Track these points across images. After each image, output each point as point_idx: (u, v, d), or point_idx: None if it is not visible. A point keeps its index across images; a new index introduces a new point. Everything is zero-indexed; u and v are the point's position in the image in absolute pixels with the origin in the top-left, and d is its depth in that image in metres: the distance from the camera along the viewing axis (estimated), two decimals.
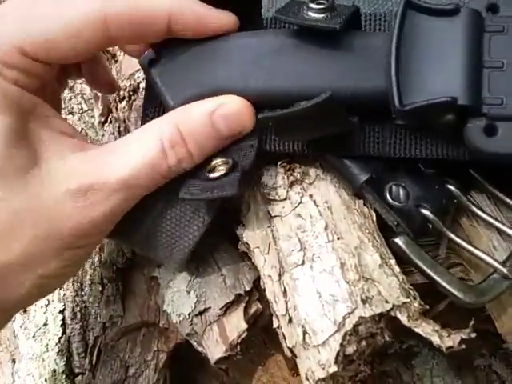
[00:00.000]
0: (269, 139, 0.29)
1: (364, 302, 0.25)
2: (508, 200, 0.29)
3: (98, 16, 0.25)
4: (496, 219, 0.29)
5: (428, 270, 0.28)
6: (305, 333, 0.25)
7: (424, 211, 0.29)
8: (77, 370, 0.39)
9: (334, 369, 0.24)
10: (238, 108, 0.26)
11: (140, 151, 0.25)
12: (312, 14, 0.26)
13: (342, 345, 0.24)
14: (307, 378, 0.25)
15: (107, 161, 0.26)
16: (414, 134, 0.28)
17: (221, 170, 0.27)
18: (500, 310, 0.30)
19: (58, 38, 0.25)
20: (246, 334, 0.30)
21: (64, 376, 0.38)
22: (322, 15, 0.26)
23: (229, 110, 0.26)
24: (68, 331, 0.40)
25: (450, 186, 0.29)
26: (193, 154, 0.26)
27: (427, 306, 0.27)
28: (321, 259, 0.26)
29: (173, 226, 0.29)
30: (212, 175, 0.27)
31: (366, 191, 0.29)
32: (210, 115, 0.26)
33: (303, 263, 0.26)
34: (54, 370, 0.39)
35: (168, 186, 0.27)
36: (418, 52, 0.25)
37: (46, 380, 0.38)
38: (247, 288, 0.31)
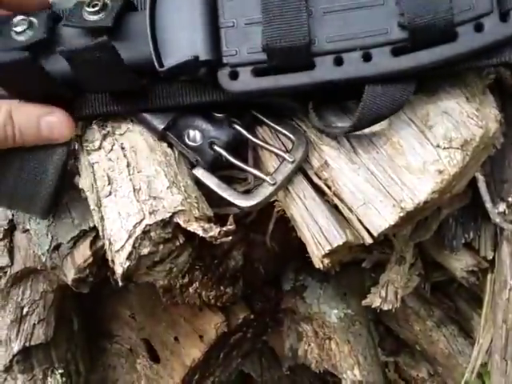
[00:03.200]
0: (85, 105, 0.36)
1: (150, 213, 0.33)
2: (280, 129, 0.37)
3: None
4: (269, 144, 0.37)
5: (215, 188, 0.36)
6: (110, 244, 0.33)
7: (216, 147, 0.37)
8: None
9: (126, 264, 0.32)
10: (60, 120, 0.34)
11: None
12: (90, 17, 0.33)
13: (134, 247, 0.32)
14: (118, 278, 0.33)
15: None
16: (194, 86, 0.36)
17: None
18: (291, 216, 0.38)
19: None
20: (91, 259, 0.38)
21: None
22: (97, 16, 0.33)
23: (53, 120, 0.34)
24: None
25: (236, 126, 0.37)
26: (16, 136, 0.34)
27: (210, 214, 0.35)
28: (122, 188, 0.34)
29: (29, 183, 0.37)
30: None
31: (168, 137, 0.37)
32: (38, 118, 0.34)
33: (110, 193, 0.34)
34: None
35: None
36: (168, 23, 0.33)
37: None
38: (91, 225, 0.39)
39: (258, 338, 0.64)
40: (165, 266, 0.35)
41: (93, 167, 0.36)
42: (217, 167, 0.37)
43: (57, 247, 0.38)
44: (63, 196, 0.40)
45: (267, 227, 0.46)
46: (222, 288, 0.47)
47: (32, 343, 0.43)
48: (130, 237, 0.32)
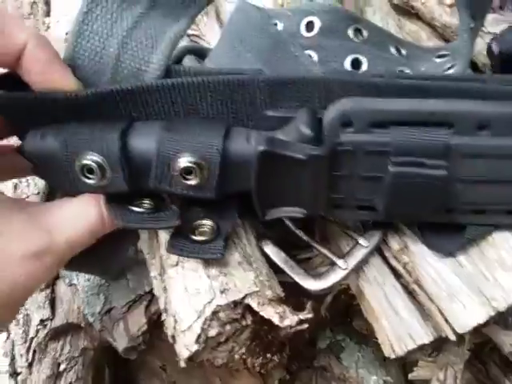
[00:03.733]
0: None
1: (221, 292, 0.30)
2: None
3: None
4: (341, 223, 0.35)
5: (283, 266, 0.34)
6: (175, 321, 0.31)
7: (285, 220, 0.34)
8: (19, 370, 0.44)
9: (195, 348, 0.30)
10: None
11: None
12: (187, 183, 0.28)
13: (203, 329, 0.30)
14: (180, 359, 0.31)
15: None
16: None
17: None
18: (361, 296, 0.35)
19: None
20: (145, 327, 0.35)
21: (8, 375, 0.44)
22: (194, 182, 0.28)
23: None
24: (12, 336, 0.45)
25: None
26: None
27: (281, 294, 0.32)
28: (190, 260, 0.32)
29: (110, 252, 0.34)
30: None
31: None
32: None
33: (177, 264, 0.32)
34: None
35: None
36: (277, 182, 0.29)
37: None
38: (147, 289, 0.36)
39: None
40: (228, 346, 0.32)
41: (156, 231, 0.34)
42: (283, 240, 0.35)
43: (109, 310, 0.36)
44: None
45: (322, 296, 0.44)
46: (268, 355, 0.44)
47: None
48: (198, 317, 0.30)
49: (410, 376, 0.50)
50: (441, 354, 0.45)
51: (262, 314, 0.30)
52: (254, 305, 0.30)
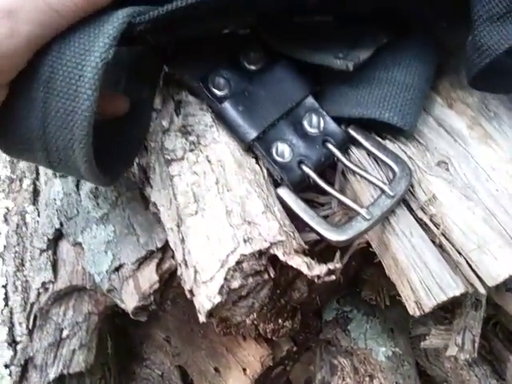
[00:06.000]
0: None
1: (245, 241, 0.28)
2: (381, 155, 0.33)
3: None
4: (366, 172, 0.33)
5: (302, 214, 0.32)
6: (196, 272, 0.29)
7: (304, 167, 0.33)
8: (18, 339, 0.42)
9: (218, 299, 0.28)
10: None
11: None
12: None
13: (226, 279, 0.28)
14: (200, 312, 0.29)
15: None
16: None
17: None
18: (385, 251, 0.34)
19: None
20: (157, 285, 0.33)
21: (6, 344, 0.41)
22: None
23: None
24: (10, 303, 0.43)
25: (330, 146, 0.33)
26: None
27: (305, 246, 0.31)
28: (211, 208, 0.30)
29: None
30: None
31: (255, 148, 0.33)
32: None
33: (196, 213, 0.30)
34: None
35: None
36: None
37: None
38: (159, 245, 0.34)
39: (291, 369, 0.60)
40: (248, 301, 0.31)
41: (172, 180, 0.32)
42: (300, 189, 0.34)
43: (118, 268, 0.34)
44: (126, 209, 0.35)
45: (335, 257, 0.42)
46: (280, 321, 0.43)
47: (70, 371, 0.38)
48: (221, 267, 0.28)
49: (423, 344, 0.49)
50: (458, 319, 0.45)
51: (289, 263, 0.28)
52: (280, 254, 0.29)
